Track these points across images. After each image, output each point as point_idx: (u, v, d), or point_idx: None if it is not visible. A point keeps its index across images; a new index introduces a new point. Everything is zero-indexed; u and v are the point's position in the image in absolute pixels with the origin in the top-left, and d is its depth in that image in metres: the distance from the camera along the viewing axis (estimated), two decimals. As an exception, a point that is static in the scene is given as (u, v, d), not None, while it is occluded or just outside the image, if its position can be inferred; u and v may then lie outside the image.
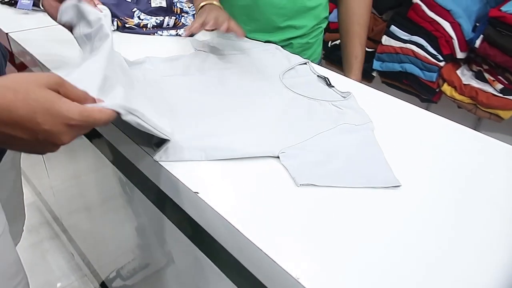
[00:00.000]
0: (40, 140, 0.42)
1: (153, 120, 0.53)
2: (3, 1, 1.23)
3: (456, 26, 1.38)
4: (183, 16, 1.16)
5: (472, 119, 1.56)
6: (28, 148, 0.44)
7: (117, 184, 0.82)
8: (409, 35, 1.49)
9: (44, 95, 0.42)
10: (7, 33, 1.04)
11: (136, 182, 0.71)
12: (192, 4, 1.22)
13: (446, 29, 1.39)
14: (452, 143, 0.70)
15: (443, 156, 0.66)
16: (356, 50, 1.10)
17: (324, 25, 1.18)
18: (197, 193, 0.52)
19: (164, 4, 1.17)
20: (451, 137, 0.72)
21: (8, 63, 0.76)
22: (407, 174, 0.59)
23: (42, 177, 1.44)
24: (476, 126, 1.68)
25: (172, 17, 1.14)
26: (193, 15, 1.20)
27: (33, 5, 1.19)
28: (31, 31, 1.08)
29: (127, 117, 0.49)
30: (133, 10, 1.13)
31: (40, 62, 0.89)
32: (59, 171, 1.28)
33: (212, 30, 0.97)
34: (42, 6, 0.76)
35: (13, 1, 1.21)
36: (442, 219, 0.52)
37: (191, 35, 1.04)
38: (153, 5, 1.17)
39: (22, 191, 0.95)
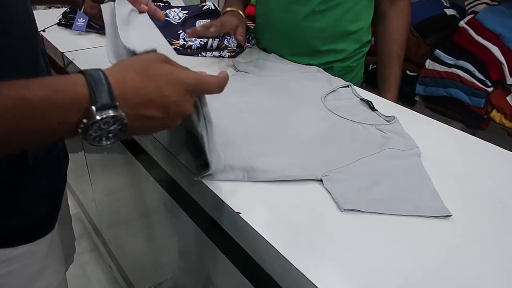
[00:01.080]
0: (171, 114, 0.44)
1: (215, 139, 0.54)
2: (59, 23, 1.31)
3: (505, 50, 1.33)
4: (226, 38, 1.19)
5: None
6: (162, 125, 0.46)
7: (159, 201, 0.83)
8: (455, 59, 1.45)
9: (163, 68, 0.44)
10: (62, 52, 1.10)
11: (178, 199, 0.72)
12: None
13: (495, 54, 1.34)
14: (504, 172, 0.67)
15: (495, 186, 0.62)
16: (395, 70, 1.13)
17: (366, 49, 1.18)
18: (239, 213, 0.52)
19: (209, 27, 1.21)
20: (502, 165, 0.69)
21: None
22: (457, 204, 0.56)
23: (86, 189, 1.50)
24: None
25: (216, 39, 1.17)
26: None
27: (87, 26, 1.26)
28: (84, 50, 1.14)
29: (201, 128, 0.51)
30: (179, 32, 1.18)
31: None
32: (102, 184, 1.32)
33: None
34: (84, 12, 0.81)
35: (69, 23, 1.29)
36: (492, 252, 0.49)
37: (201, 41, 1.10)
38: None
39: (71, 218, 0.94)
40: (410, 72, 1.63)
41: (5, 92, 0.35)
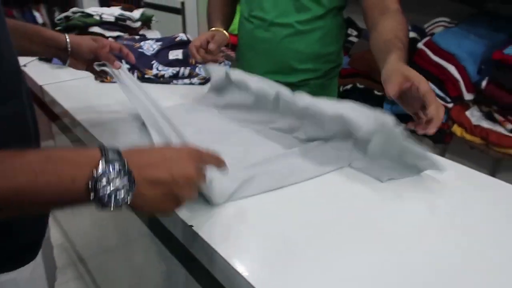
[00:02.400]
0: (175, 177, 0.47)
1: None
2: (40, 58, 1.38)
3: (461, 69, 1.42)
4: (197, 66, 1.27)
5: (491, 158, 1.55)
6: (170, 192, 0.47)
7: (143, 234, 0.86)
8: (417, 78, 1.54)
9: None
10: (41, 86, 1.16)
11: (163, 237, 0.75)
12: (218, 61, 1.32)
13: (452, 72, 1.43)
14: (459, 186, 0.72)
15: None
16: (398, 46, 0.87)
17: (338, 69, 1.28)
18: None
19: (180, 57, 1.29)
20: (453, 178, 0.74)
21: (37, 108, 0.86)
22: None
23: (71, 219, 1.52)
24: (496, 164, 1.67)
25: (187, 68, 1.24)
26: (207, 66, 1.30)
27: (66, 60, 1.33)
28: (63, 82, 1.20)
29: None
30: (152, 63, 1.25)
31: (69, 113, 0.99)
32: (87, 214, 1.35)
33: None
34: (69, 65, 0.88)
35: (49, 58, 1.36)
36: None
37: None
38: (170, 57, 1.29)
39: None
40: (378, 92, 1.71)
41: (32, 151, 0.41)
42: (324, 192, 0.68)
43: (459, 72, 1.43)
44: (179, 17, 2.87)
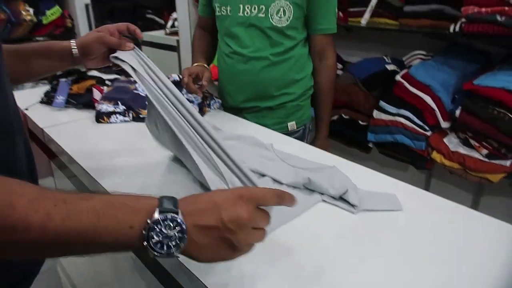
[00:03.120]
0: (225, 222, 0.46)
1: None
2: (41, 101, 1.47)
3: (436, 99, 1.52)
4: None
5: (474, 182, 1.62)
6: (221, 238, 0.47)
7: (139, 270, 0.91)
8: (397, 108, 1.63)
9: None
10: (42, 128, 1.25)
11: (157, 273, 0.79)
12: (197, 95, 1.43)
13: (428, 102, 1.53)
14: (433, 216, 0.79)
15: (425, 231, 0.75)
16: (322, 113, 1.44)
17: (311, 92, 1.45)
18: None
19: (173, 96, 1.38)
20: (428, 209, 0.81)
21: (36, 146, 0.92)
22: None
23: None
24: (479, 187, 1.74)
25: (180, 107, 1.33)
26: (198, 104, 1.40)
27: (66, 102, 1.42)
28: (63, 125, 1.29)
29: None
30: (146, 103, 1.34)
31: (67, 153, 1.07)
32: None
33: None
34: (89, 67, 0.89)
35: (49, 101, 1.45)
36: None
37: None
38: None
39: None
40: (362, 122, 1.81)
41: (96, 195, 0.46)
42: (304, 229, 0.73)
43: (435, 102, 1.52)
44: (175, 54, 3.00)
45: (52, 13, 2.40)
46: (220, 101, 1.48)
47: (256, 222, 0.49)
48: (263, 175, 0.88)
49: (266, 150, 0.97)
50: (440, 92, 1.51)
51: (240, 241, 0.48)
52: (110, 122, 1.28)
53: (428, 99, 1.53)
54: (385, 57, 1.86)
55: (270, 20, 1.26)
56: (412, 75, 1.58)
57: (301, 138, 1.45)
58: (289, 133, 1.39)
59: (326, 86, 1.41)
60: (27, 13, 2.28)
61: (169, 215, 0.45)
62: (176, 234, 0.45)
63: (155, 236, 0.45)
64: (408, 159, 1.67)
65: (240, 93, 1.39)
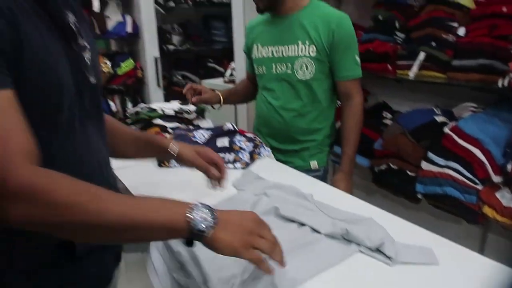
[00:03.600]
0: (244, 221, 0.66)
1: None
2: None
3: (486, 152, 1.50)
4: (241, 152, 1.47)
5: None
6: (239, 227, 0.65)
7: None
8: (446, 160, 1.63)
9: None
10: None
11: None
12: (248, 142, 1.55)
13: (478, 156, 1.52)
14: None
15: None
16: (346, 148, 1.55)
17: (331, 140, 1.65)
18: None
19: (227, 144, 1.51)
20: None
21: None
22: None
23: None
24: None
25: (232, 154, 1.45)
26: (249, 151, 1.51)
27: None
28: (130, 167, 1.44)
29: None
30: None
31: (131, 193, 1.21)
32: None
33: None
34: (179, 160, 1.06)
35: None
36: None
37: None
38: (218, 145, 1.51)
39: None
40: (410, 172, 1.81)
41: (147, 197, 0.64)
42: (340, 279, 0.78)
43: (485, 156, 1.51)
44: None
45: (126, 65, 2.71)
46: (269, 149, 1.58)
47: (264, 231, 0.67)
48: (302, 225, 0.95)
49: (306, 200, 1.04)
50: (490, 146, 1.50)
51: (252, 242, 0.63)
52: (170, 166, 1.42)
53: (477, 152, 1.52)
54: (434, 108, 1.88)
55: (296, 74, 1.49)
56: (460, 128, 1.59)
57: (322, 176, 1.63)
58: (311, 171, 1.59)
59: (350, 122, 1.53)
60: (106, 65, 2.60)
61: (205, 205, 0.64)
62: (210, 219, 0.63)
63: (194, 214, 0.62)
64: (459, 213, 1.64)
65: (271, 136, 1.65)
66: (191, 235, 0.62)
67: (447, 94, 1.96)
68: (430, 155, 1.69)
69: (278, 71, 1.54)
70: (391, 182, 1.89)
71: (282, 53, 1.51)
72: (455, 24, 1.69)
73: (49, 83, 0.65)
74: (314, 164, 1.61)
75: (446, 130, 1.64)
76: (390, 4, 1.95)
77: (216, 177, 1.04)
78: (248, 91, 1.82)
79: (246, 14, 2.70)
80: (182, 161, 1.06)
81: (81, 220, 0.58)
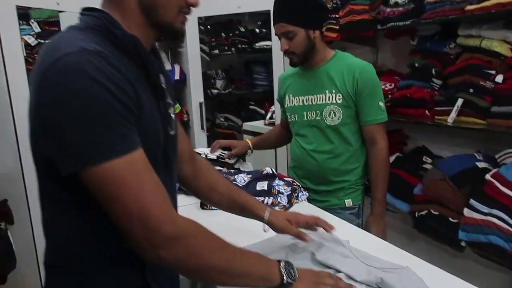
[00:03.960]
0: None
1: None
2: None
3: (531, 201, 1.46)
4: (279, 196, 1.53)
5: None
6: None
7: None
8: (489, 208, 1.59)
9: None
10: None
11: None
12: (287, 186, 1.61)
13: (522, 204, 1.48)
14: None
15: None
16: (375, 191, 1.64)
17: (363, 179, 1.72)
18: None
19: (266, 188, 1.57)
20: None
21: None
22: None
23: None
24: None
25: (271, 197, 1.52)
26: (288, 195, 1.57)
27: (179, 189, 1.70)
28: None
29: None
30: (243, 193, 1.55)
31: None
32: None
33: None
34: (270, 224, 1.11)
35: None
36: None
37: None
38: (258, 188, 1.58)
39: None
40: (452, 219, 1.78)
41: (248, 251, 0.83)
42: None
43: (530, 204, 1.47)
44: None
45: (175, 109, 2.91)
46: (307, 193, 1.63)
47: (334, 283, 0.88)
48: (338, 271, 0.98)
49: (342, 247, 1.07)
50: (535, 194, 1.46)
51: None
52: (211, 209, 1.50)
53: (522, 201, 1.49)
54: (476, 154, 1.86)
55: (325, 120, 1.61)
56: (502, 175, 1.56)
57: (356, 214, 1.70)
58: (346, 208, 1.68)
59: (376, 167, 1.63)
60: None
61: (289, 263, 0.86)
62: (293, 273, 0.84)
63: (285, 269, 0.83)
64: (505, 262, 1.58)
65: (306, 178, 1.74)
66: (282, 285, 0.81)
67: (489, 139, 1.94)
68: (472, 202, 1.66)
69: (308, 118, 1.66)
70: (433, 228, 1.85)
71: (312, 102, 1.65)
72: (493, 72, 1.70)
73: (152, 137, 0.75)
74: (349, 202, 1.68)
75: (488, 177, 1.61)
76: (426, 52, 1.99)
77: (309, 239, 1.07)
78: (280, 138, 1.98)
79: (286, 60, 2.83)
80: (274, 229, 1.11)
81: (215, 268, 0.75)
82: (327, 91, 1.60)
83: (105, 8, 0.77)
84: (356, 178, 1.68)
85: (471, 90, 1.78)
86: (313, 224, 1.11)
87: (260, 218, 1.11)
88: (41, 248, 0.81)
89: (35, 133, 0.70)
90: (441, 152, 2.14)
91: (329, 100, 1.60)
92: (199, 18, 3.00)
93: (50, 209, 0.77)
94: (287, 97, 1.75)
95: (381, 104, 1.60)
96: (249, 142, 1.90)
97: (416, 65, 2.03)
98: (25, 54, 2.68)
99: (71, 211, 0.73)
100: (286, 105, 1.77)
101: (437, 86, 1.95)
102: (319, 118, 1.62)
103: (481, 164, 1.77)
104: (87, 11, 0.76)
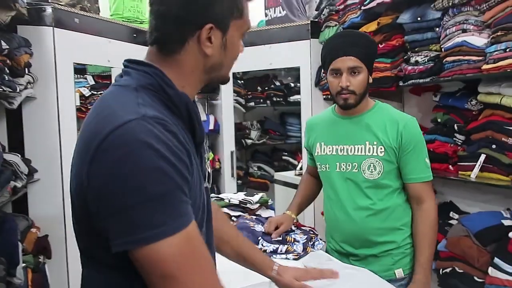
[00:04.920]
0: None
1: None
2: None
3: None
4: (295, 244, 1.57)
5: None
6: None
7: None
8: (514, 268, 1.54)
9: None
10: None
11: None
12: (303, 235, 1.64)
13: (548, 265, 1.42)
14: None
15: None
16: (418, 254, 1.45)
17: (412, 241, 1.50)
18: None
19: (280, 238, 1.61)
20: None
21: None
22: None
23: None
24: None
25: (286, 245, 1.55)
26: (303, 243, 1.60)
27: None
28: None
29: None
30: (259, 239, 1.60)
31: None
32: None
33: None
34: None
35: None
36: None
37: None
38: (273, 237, 1.62)
39: None
40: (477, 278, 1.71)
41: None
42: None
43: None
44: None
45: (207, 158, 3.08)
46: (323, 242, 1.65)
47: None
48: None
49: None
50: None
51: None
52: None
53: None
54: (503, 211, 1.81)
55: (363, 174, 1.45)
56: (526, 234, 1.52)
57: (405, 285, 1.46)
58: (396, 280, 1.44)
59: (422, 227, 1.45)
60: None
61: None
62: None
63: None
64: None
65: (344, 241, 1.53)
66: None
67: (517, 196, 1.89)
68: (497, 260, 1.60)
69: (342, 170, 1.50)
70: (457, 286, 1.78)
71: (348, 152, 1.49)
72: (514, 128, 1.70)
73: (199, 197, 0.74)
74: (399, 272, 1.47)
75: (511, 235, 1.57)
76: (448, 107, 2.02)
77: None
78: (314, 190, 1.77)
79: (314, 111, 2.93)
80: (279, 285, 1.12)
81: None
82: (367, 142, 1.45)
83: (156, 63, 0.73)
84: (403, 237, 1.48)
85: (493, 146, 1.78)
86: (318, 277, 1.12)
87: (267, 275, 1.11)
88: (74, 284, 0.85)
89: (84, 200, 0.65)
90: (468, 208, 2.10)
91: (369, 152, 1.44)
92: (236, 73, 3.22)
93: (91, 268, 0.74)
94: (317, 145, 1.59)
95: (427, 161, 1.46)
96: (292, 215, 1.68)
97: (439, 120, 2.06)
98: (78, 104, 3.01)
99: (113, 274, 0.69)
100: (316, 154, 1.60)
101: (460, 141, 1.96)
102: (356, 171, 1.46)
103: (507, 222, 1.72)
104: (136, 65, 0.73)
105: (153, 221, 0.59)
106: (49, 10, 2.31)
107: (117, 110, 0.64)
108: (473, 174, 1.83)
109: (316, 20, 2.93)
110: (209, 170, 0.93)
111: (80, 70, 3.16)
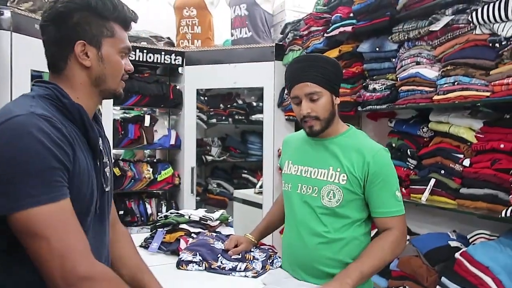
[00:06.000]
0: None
1: None
2: (141, 245, 1.82)
3: (497, 281, 1.50)
4: (254, 262, 1.57)
5: None
6: None
7: None
8: (459, 287, 1.63)
9: None
10: (136, 269, 1.55)
11: None
12: (262, 253, 1.65)
13: (489, 284, 1.51)
14: None
15: None
16: (362, 264, 1.28)
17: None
18: None
19: (240, 256, 1.61)
20: None
21: None
22: None
23: None
24: None
25: (245, 263, 1.56)
26: (262, 261, 1.61)
27: (158, 248, 1.75)
28: (152, 267, 1.57)
29: None
30: (218, 256, 1.59)
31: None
32: None
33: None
34: None
35: (147, 246, 1.80)
36: None
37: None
38: (231, 254, 1.62)
39: None
40: (426, 297, 1.79)
41: None
42: None
43: (496, 285, 1.51)
44: (260, 211, 3.36)
45: (166, 173, 3.03)
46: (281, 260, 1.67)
47: None
48: None
49: None
50: (501, 275, 1.50)
51: None
52: (187, 270, 1.54)
53: (489, 281, 1.52)
54: (449, 233, 1.92)
55: (321, 200, 1.37)
56: (470, 254, 1.62)
57: None
58: None
59: (382, 242, 1.33)
60: (147, 172, 2.92)
61: None
62: None
63: None
64: None
65: (298, 266, 1.45)
66: None
67: (462, 220, 2.01)
68: (444, 280, 1.70)
69: (302, 192, 1.43)
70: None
71: (311, 175, 1.42)
72: (461, 155, 1.83)
73: (86, 190, 0.87)
74: None
75: (457, 255, 1.67)
76: (402, 133, 2.15)
77: None
78: (280, 217, 1.66)
79: (276, 133, 2.99)
80: None
81: None
82: (331, 168, 1.38)
83: (53, 81, 0.91)
84: None
85: (442, 172, 1.90)
86: None
87: None
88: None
89: None
90: (419, 229, 2.21)
91: (331, 178, 1.37)
92: (199, 90, 3.23)
93: None
94: (286, 163, 1.54)
95: (398, 194, 1.37)
96: (253, 239, 1.66)
97: (394, 145, 2.17)
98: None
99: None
100: (284, 171, 1.54)
101: (412, 165, 2.08)
102: (316, 195, 1.39)
103: (453, 243, 1.83)
104: (40, 83, 0.91)
105: (30, 192, 0.76)
106: (7, 14, 2.23)
107: (12, 108, 0.81)
108: (424, 197, 1.94)
109: (281, 43, 3.02)
110: (107, 175, 1.03)
111: (37, 77, 3.04)
